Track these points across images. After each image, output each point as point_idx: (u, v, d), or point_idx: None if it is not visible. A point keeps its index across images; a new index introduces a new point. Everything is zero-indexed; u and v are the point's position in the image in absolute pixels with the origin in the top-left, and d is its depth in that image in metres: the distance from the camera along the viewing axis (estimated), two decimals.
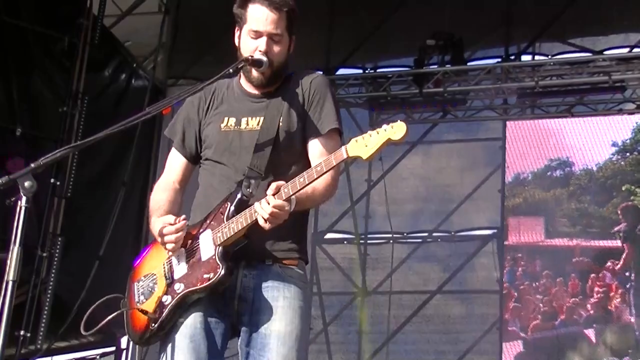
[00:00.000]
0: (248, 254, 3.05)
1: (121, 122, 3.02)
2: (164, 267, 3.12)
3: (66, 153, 3.07)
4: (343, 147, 2.87)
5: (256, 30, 3.15)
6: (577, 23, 9.11)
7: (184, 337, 3.02)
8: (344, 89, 9.71)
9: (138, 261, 3.30)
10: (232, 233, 2.97)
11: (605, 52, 9.31)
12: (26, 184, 2.73)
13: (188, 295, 3.01)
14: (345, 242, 10.71)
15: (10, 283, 2.66)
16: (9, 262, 2.67)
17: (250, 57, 3.13)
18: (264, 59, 3.13)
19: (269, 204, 2.87)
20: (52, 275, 7.36)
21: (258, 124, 3.17)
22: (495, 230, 9.80)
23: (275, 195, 2.88)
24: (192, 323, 3.03)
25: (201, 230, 3.08)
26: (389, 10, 9.26)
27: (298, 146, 3.18)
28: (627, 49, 9.35)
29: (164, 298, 3.05)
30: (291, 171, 3.06)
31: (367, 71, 10.14)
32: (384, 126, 2.82)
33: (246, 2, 3.19)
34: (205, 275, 2.97)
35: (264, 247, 3.08)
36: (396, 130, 2.79)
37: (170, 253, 3.12)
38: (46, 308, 7.32)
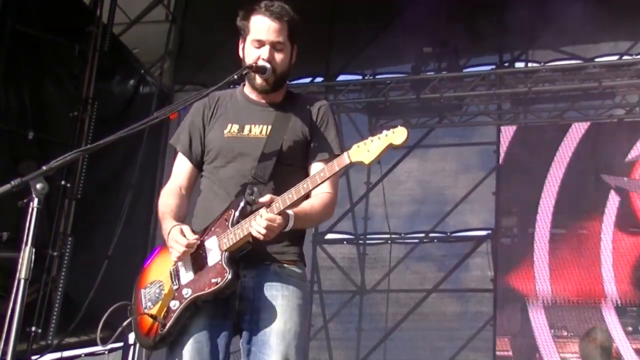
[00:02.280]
0: (247, 256, 3.05)
1: (129, 127, 3.02)
2: (171, 273, 3.12)
3: (76, 156, 3.06)
4: (345, 153, 2.86)
5: (259, 40, 3.17)
6: (568, 31, 9.11)
7: (189, 340, 3.04)
8: (344, 94, 9.71)
9: (144, 268, 3.28)
10: (238, 239, 2.97)
11: (596, 60, 9.32)
12: (38, 185, 2.74)
13: (197, 299, 3.02)
14: (345, 242, 10.72)
15: (22, 281, 2.66)
16: (21, 261, 2.67)
17: (254, 65, 3.14)
18: (267, 65, 3.14)
19: (262, 217, 2.88)
20: (63, 274, 7.36)
21: (261, 132, 3.17)
22: (489, 232, 9.79)
23: (268, 209, 2.88)
24: (197, 326, 3.05)
25: (206, 236, 3.07)
26: (387, 19, 9.27)
27: (300, 163, 3.18)
28: (616, 57, 9.36)
29: (172, 303, 3.05)
30: (293, 182, 3.01)
31: (366, 77, 10.14)
32: (385, 131, 2.81)
33: (248, 14, 3.21)
34: (213, 280, 2.97)
35: (263, 249, 3.08)
36: (397, 135, 2.78)
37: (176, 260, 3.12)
38: (57, 305, 7.32)
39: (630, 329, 8.52)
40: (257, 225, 2.89)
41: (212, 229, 3.07)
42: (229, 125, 3.22)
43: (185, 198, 3.29)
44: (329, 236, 10.64)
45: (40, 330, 7.11)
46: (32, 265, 2.68)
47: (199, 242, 3.06)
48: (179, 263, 3.11)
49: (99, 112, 7.80)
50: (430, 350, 9.86)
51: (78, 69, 7.83)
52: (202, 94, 3.22)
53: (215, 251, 3.02)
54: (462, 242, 10.17)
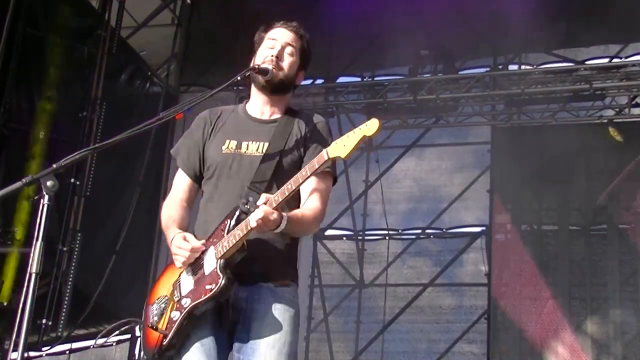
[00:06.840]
0: (242, 276, 3.00)
1: (137, 126, 3.02)
2: (174, 287, 3.09)
3: (85, 155, 3.06)
4: (324, 150, 2.87)
5: (273, 38, 3.20)
6: (560, 35, 9.11)
7: (196, 344, 3.00)
8: (343, 95, 9.71)
9: (152, 286, 3.25)
10: (231, 245, 2.93)
11: (587, 62, 9.33)
12: (48, 183, 2.74)
13: (195, 308, 2.97)
14: (344, 238, 10.74)
15: (34, 275, 2.66)
16: (32, 255, 2.67)
17: (257, 66, 3.15)
18: (269, 67, 3.14)
19: (260, 209, 2.85)
20: (72, 268, 7.36)
21: (258, 149, 3.14)
22: (483, 228, 9.80)
23: (267, 203, 2.87)
24: (202, 332, 3.01)
25: (205, 248, 3.05)
26: (386, 23, 9.26)
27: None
28: (606, 60, 9.38)
29: (173, 314, 3.01)
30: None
31: (365, 79, 10.15)
32: (361, 125, 2.87)
33: (267, 28, 3.26)
34: (208, 287, 2.93)
35: (258, 270, 3.05)
36: (370, 127, 2.86)
37: (180, 274, 3.08)
38: (66, 298, 7.32)
39: None
40: (255, 215, 2.86)
41: (211, 240, 3.04)
42: (227, 141, 3.19)
43: (186, 209, 3.25)
44: (329, 232, 10.67)
45: (50, 323, 7.12)
46: (42, 259, 2.68)
47: (199, 254, 3.04)
48: (182, 275, 3.08)
49: (107, 112, 7.80)
50: (427, 342, 9.88)
51: (87, 71, 7.84)
52: (207, 95, 3.21)
53: (211, 260, 2.99)
54: (457, 238, 10.18)
